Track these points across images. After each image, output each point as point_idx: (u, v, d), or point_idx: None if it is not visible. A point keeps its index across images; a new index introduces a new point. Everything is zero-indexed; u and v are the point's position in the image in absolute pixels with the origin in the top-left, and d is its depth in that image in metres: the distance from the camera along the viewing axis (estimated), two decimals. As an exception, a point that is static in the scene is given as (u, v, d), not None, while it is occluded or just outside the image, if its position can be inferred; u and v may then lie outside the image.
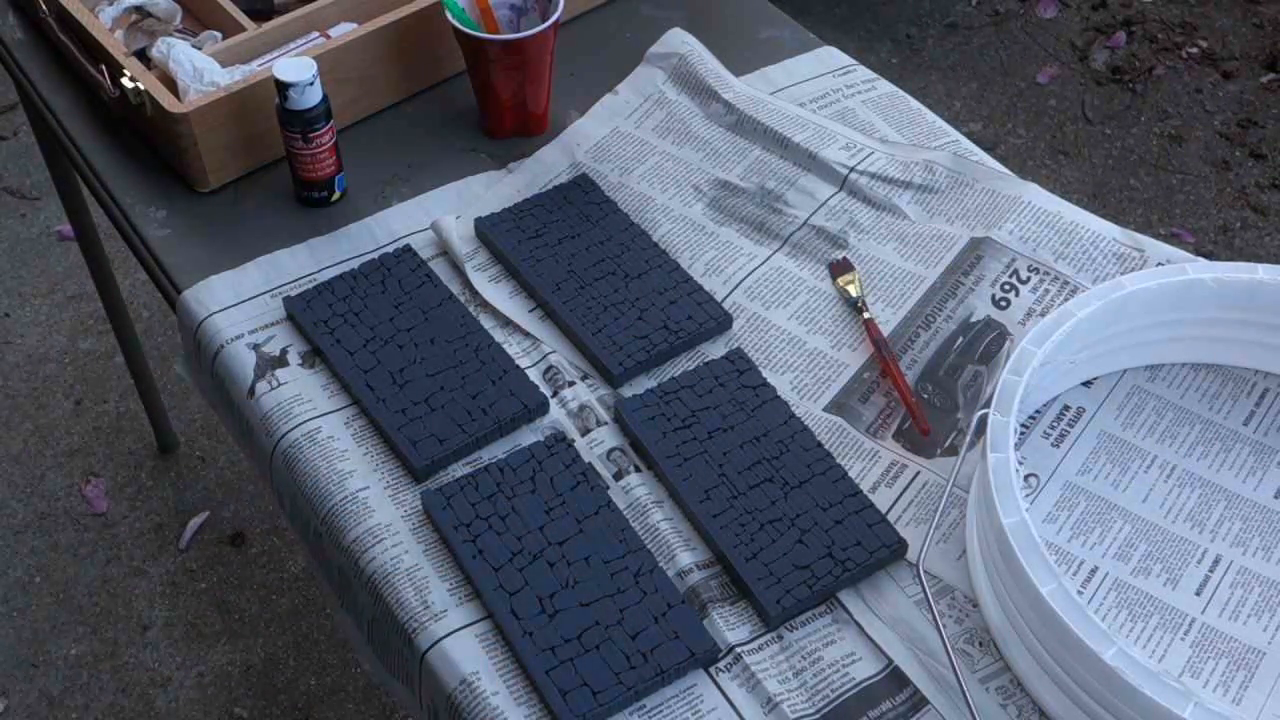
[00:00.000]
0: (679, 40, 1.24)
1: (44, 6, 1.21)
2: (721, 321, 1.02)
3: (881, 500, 0.92)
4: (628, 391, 0.98)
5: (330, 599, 0.98)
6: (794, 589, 0.85)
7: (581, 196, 1.10)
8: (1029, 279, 1.05)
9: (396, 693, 0.91)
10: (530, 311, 1.04)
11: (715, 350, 1.01)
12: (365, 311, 1.01)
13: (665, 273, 1.05)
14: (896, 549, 0.88)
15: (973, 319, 1.03)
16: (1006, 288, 1.05)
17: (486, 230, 1.07)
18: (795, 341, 1.02)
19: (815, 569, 0.86)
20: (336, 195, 1.11)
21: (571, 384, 0.98)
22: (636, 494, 0.92)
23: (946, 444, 0.95)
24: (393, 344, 0.99)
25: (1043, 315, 1.02)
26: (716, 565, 0.88)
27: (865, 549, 0.87)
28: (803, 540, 0.88)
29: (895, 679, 0.83)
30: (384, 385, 0.97)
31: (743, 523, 0.89)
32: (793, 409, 0.96)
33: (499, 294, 1.05)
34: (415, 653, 0.85)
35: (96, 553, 1.82)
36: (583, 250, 1.06)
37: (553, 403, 0.97)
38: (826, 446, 0.94)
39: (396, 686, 0.90)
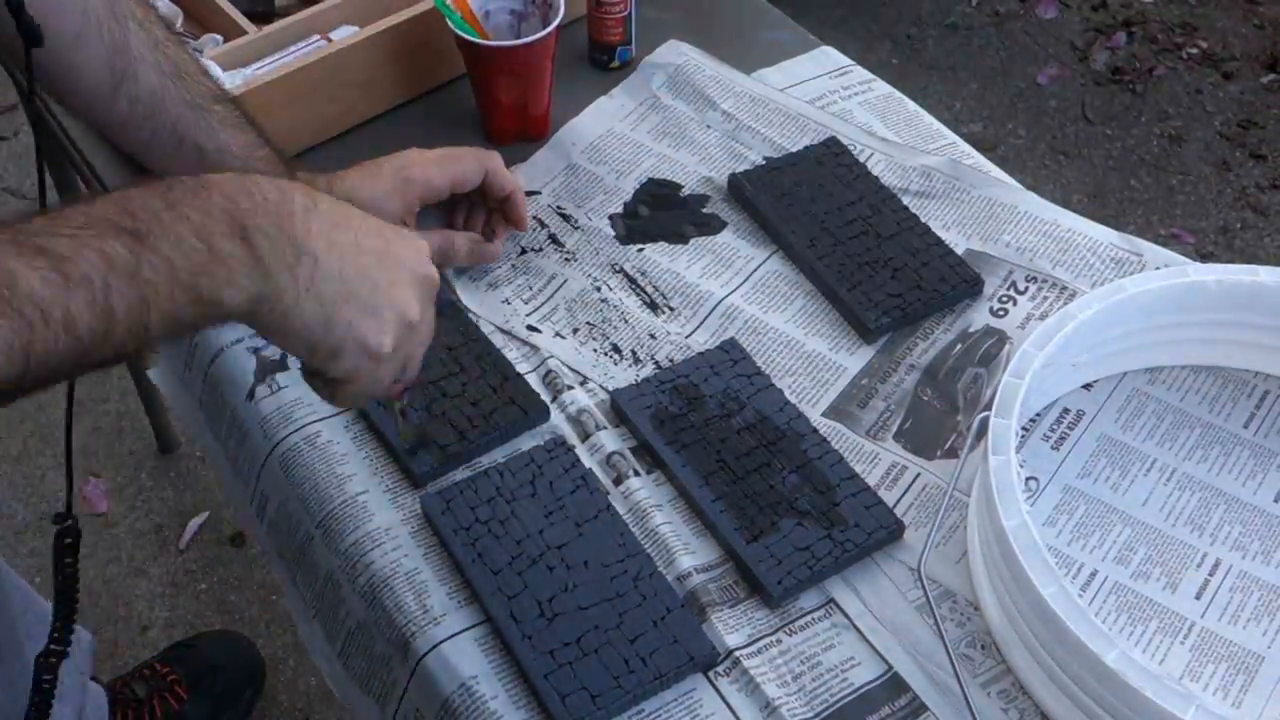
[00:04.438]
0: (675, 51, 1.24)
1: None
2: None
3: (881, 503, 0.92)
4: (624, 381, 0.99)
5: (298, 611, 0.97)
6: (795, 570, 0.86)
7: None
8: (1026, 289, 1.05)
9: (361, 709, 0.90)
10: (528, 315, 1.04)
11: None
12: (365, 315, 1.01)
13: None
14: (894, 531, 0.88)
15: (971, 329, 1.03)
16: (1004, 299, 1.05)
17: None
18: (793, 344, 1.02)
19: (815, 550, 0.87)
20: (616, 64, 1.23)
21: (570, 388, 0.98)
22: (636, 498, 0.92)
23: (947, 446, 0.95)
24: (393, 347, 0.99)
25: (1042, 319, 1.02)
26: (716, 568, 0.88)
27: (863, 530, 0.88)
28: (801, 523, 0.88)
29: (894, 684, 0.83)
30: (384, 389, 0.96)
31: (742, 507, 0.89)
32: (792, 412, 0.96)
33: (490, 301, 1.04)
34: (410, 658, 0.85)
35: (96, 553, 1.82)
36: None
37: (552, 407, 0.97)
38: (826, 450, 0.94)
39: (366, 701, 0.90)
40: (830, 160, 1.13)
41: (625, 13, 1.19)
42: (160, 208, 0.60)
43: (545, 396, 0.98)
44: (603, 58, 1.23)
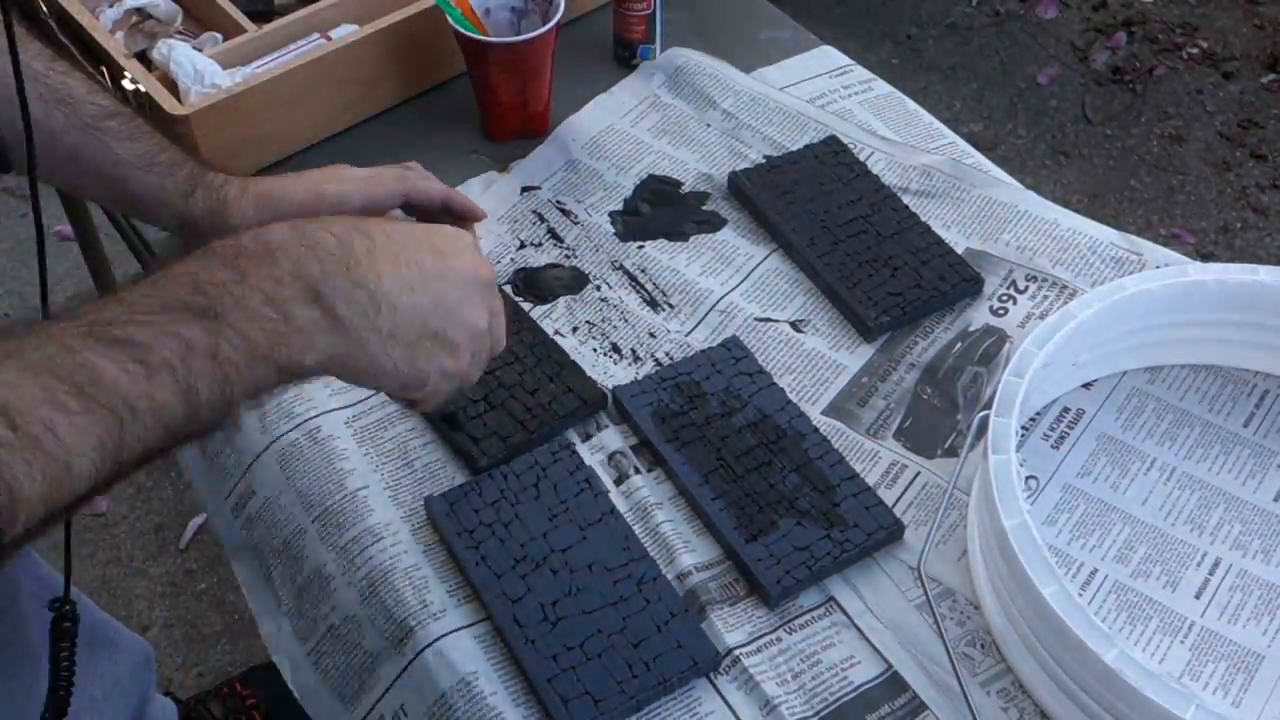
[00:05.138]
0: (675, 53, 1.25)
1: (44, 8, 1.21)
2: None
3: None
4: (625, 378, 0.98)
5: (263, 608, 0.95)
6: (794, 569, 0.86)
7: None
8: (1026, 288, 1.05)
9: (319, 708, 0.89)
10: (528, 314, 1.04)
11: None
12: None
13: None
14: (893, 532, 0.88)
15: (971, 328, 1.03)
16: (1004, 298, 1.05)
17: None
18: (793, 342, 1.02)
19: (814, 550, 0.87)
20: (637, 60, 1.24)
21: (571, 386, 0.98)
22: (637, 497, 0.92)
23: (947, 445, 0.95)
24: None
25: (1042, 318, 1.02)
26: (716, 566, 0.88)
27: (863, 530, 0.88)
28: (801, 523, 0.88)
29: (894, 682, 0.83)
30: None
31: (742, 505, 0.89)
32: (792, 411, 0.96)
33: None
34: (407, 652, 0.84)
35: (97, 553, 1.82)
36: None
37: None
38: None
39: (329, 701, 0.89)
40: (830, 159, 1.13)
41: (648, 11, 1.20)
42: (231, 280, 0.59)
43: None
44: (625, 54, 1.24)
